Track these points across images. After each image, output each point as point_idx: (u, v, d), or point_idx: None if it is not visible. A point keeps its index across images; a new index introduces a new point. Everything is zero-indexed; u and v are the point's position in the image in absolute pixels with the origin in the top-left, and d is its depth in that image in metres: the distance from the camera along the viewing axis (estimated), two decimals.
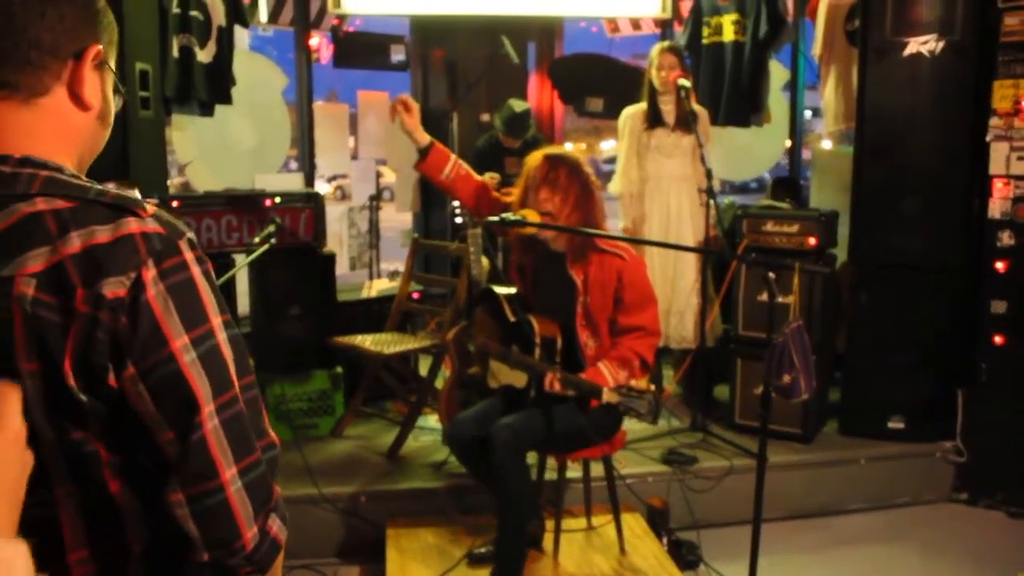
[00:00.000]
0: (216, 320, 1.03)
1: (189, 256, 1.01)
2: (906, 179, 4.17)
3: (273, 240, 3.60)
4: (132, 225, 0.99)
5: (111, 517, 1.02)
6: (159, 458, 1.00)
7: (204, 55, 4.64)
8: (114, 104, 1.13)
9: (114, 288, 0.95)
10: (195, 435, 0.98)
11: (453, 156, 3.36)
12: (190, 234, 1.04)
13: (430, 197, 6.37)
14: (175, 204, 4.04)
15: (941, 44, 4.04)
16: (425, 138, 3.31)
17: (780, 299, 3.66)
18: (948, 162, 4.12)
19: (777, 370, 2.71)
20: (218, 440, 1.00)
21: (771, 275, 2.63)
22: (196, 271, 1.02)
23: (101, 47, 1.07)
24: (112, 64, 1.11)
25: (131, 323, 0.96)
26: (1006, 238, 4.01)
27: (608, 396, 2.71)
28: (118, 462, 1.01)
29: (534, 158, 3.15)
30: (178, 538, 1.01)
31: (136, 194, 1.06)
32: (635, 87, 4.65)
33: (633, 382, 2.73)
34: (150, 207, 1.03)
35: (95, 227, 0.97)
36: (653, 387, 2.65)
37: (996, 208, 4.03)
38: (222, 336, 1.03)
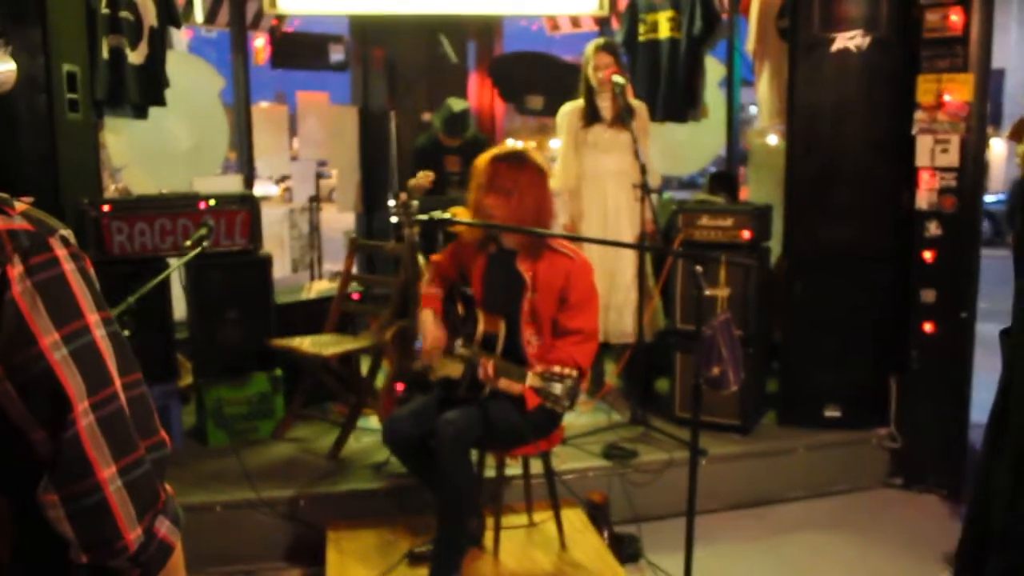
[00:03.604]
0: (92, 317, 1.01)
1: (61, 252, 1.00)
2: (837, 172, 4.25)
3: (205, 243, 3.54)
4: None
5: None
6: (32, 459, 0.98)
7: (136, 56, 4.56)
8: None
9: None
10: (67, 433, 0.96)
11: (429, 311, 3.19)
12: (64, 231, 1.02)
13: (372, 198, 6.34)
14: (106, 208, 3.97)
15: (867, 39, 4.12)
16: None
17: (712, 292, 3.70)
18: (877, 155, 4.20)
19: (706, 362, 2.75)
20: (93, 438, 0.98)
21: (698, 268, 2.66)
22: (68, 267, 1.00)
23: None
24: None
25: None
26: (933, 228, 4.10)
27: (532, 380, 2.71)
28: None
29: (481, 160, 3.08)
30: (59, 542, 0.99)
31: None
32: (575, 84, 4.68)
33: (557, 368, 2.69)
34: (20, 205, 1.01)
35: None
36: (574, 373, 2.64)
37: (923, 199, 4.12)
38: (99, 333, 1.01)
